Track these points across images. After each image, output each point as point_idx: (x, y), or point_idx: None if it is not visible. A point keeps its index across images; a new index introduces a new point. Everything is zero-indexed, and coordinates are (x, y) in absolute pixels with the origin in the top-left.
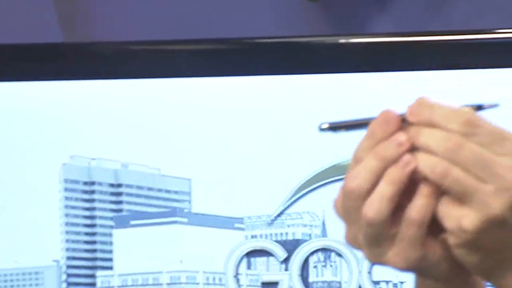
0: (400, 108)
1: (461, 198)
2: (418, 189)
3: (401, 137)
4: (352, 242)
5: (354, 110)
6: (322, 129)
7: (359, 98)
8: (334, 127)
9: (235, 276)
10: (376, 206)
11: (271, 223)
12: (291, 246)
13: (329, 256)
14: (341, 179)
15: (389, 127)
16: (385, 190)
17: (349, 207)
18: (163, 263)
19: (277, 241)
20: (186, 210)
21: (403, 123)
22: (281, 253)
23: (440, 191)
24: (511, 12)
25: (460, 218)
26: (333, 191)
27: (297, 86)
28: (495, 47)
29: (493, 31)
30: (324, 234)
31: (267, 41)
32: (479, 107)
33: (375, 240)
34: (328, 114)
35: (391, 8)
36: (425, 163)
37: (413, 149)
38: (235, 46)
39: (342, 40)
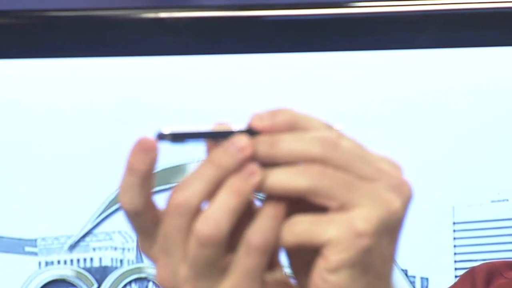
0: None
1: (347, 203)
2: (256, 211)
3: (242, 141)
4: (169, 280)
5: (172, 99)
6: (161, 138)
7: (182, 86)
8: (176, 137)
9: None
10: (214, 220)
11: (72, 246)
12: (98, 275)
13: (146, 287)
14: (158, 192)
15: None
16: (226, 202)
17: (172, 229)
18: None
19: (82, 269)
20: None
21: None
22: (89, 283)
23: (286, 213)
24: None
25: (351, 221)
26: None
27: (107, 72)
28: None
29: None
30: (139, 259)
31: (62, 15)
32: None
33: (207, 268)
34: (149, 109)
35: None
36: (294, 172)
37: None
38: (21, 20)
39: (163, 15)
